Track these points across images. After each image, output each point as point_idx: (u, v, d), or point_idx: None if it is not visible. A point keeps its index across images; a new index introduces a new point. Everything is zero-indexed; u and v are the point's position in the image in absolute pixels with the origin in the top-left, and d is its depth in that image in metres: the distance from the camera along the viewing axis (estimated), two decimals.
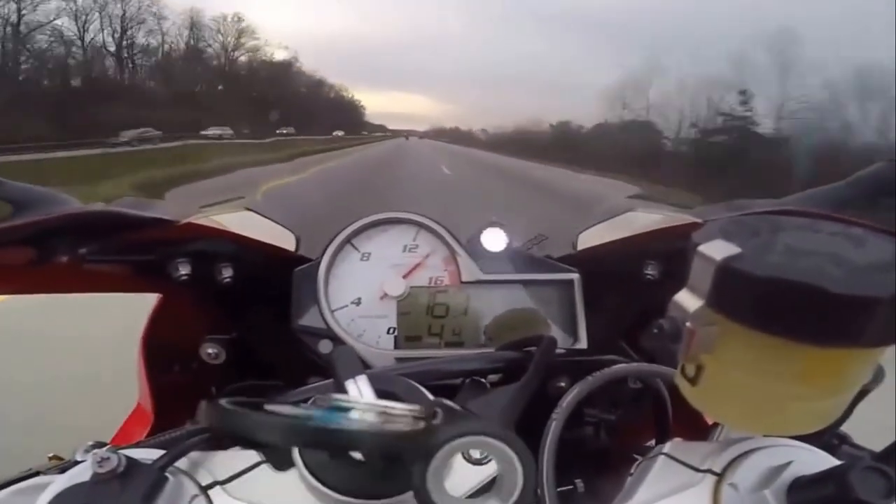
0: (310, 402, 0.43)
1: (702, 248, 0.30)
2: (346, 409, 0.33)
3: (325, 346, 0.68)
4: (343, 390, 0.39)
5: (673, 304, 0.31)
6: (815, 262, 0.27)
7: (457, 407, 0.46)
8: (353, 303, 0.71)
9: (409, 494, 0.30)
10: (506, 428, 0.46)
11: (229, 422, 0.28)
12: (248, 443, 0.37)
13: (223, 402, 0.29)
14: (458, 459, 0.37)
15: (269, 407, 0.31)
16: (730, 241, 0.29)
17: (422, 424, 0.32)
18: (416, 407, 0.33)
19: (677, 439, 0.41)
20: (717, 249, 0.29)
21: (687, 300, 0.31)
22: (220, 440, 0.40)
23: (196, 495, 0.34)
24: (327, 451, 0.33)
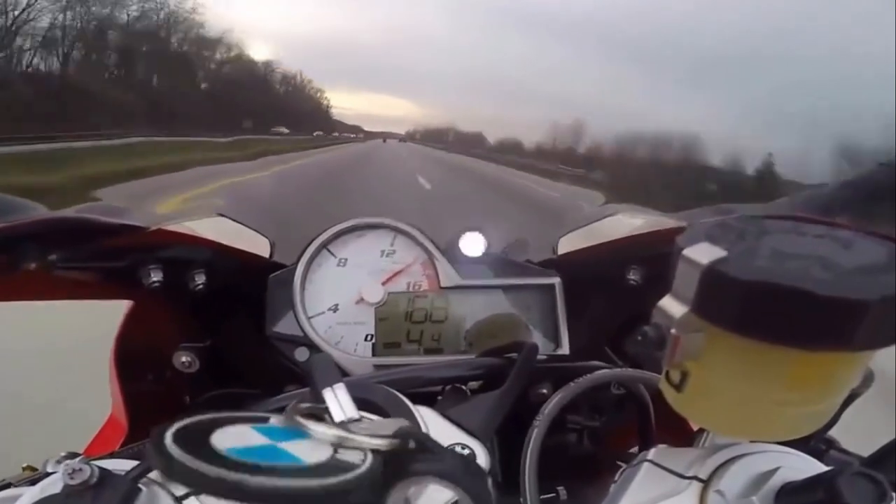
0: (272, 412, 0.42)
1: (686, 251, 0.29)
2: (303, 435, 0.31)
3: (301, 354, 0.67)
4: (320, 399, 0.38)
5: (658, 311, 0.31)
6: (801, 265, 0.27)
7: (432, 424, 0.45)
8: (329, 309, 0.70)
9: None
10: (486, 435, 0.45)
11: (168, 467, 0.27)
12: None
13: (168, 438, 0.27)
14: None
15: (216, 440, 0.29)
16: (714, 244, 0.29)
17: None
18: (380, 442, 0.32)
19: (662, 446, 0.41)
20: (701, 253, 0.28)
21: (672, 306, 0.30)
22: None
23: None
24: None
